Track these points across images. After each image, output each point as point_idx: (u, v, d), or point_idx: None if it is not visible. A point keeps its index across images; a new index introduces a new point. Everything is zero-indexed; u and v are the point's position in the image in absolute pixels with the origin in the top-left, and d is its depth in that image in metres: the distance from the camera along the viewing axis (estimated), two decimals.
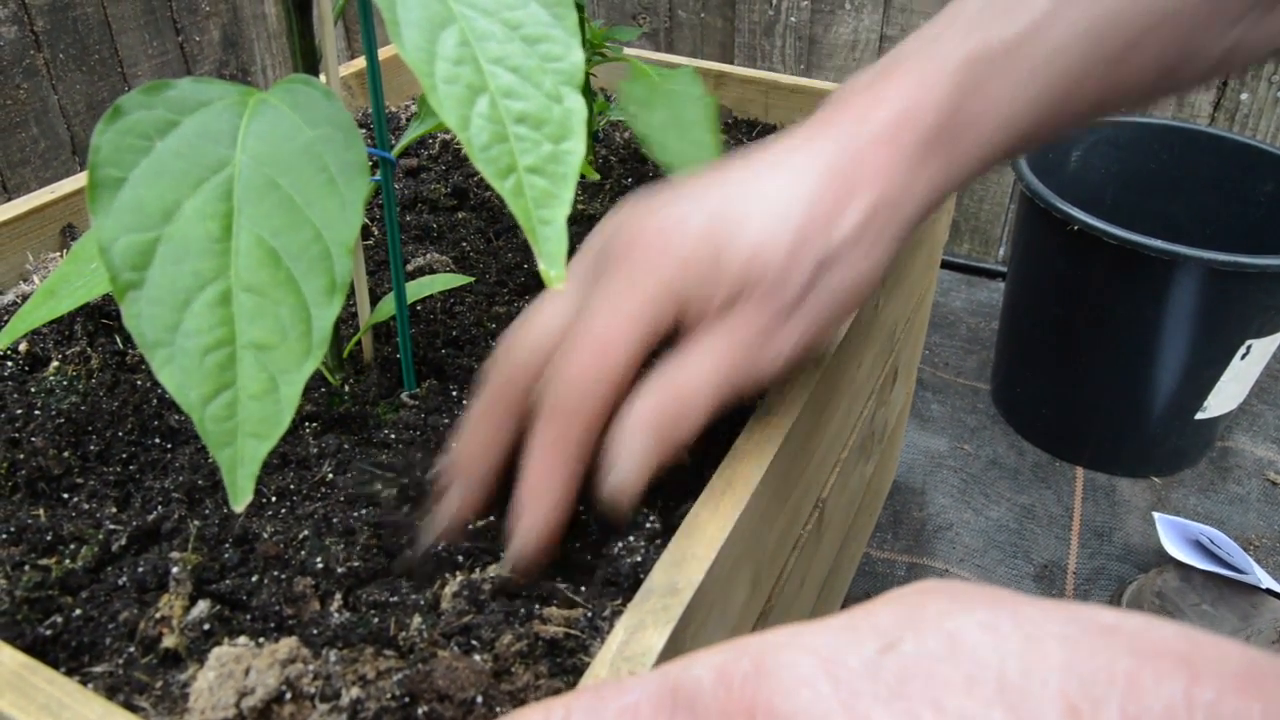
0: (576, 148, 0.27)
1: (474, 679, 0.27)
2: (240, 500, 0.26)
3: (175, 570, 0.32)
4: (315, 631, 0.31)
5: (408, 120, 0.71)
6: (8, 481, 0.38)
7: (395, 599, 0.32)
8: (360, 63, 0.72)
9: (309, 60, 0.38)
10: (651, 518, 0.33)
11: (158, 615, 0.31)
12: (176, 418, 0.41)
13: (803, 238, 0.33)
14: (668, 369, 0.33)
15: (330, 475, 0.37)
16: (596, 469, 0.32)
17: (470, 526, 0.34)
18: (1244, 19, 0.37)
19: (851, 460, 0.56)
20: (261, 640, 0.30)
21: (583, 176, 0.58)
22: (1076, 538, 0.81)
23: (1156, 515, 0.75)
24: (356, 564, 0.33)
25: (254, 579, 0.33)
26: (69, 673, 0.30)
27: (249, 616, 0.32)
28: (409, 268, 0.52)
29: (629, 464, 0.31)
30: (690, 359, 0.33)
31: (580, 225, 0.58)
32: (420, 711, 0.27)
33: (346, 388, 0.43)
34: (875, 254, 0.35)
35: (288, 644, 0.29)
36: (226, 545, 0.34)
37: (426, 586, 0.33)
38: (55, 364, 0.45)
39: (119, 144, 0.29)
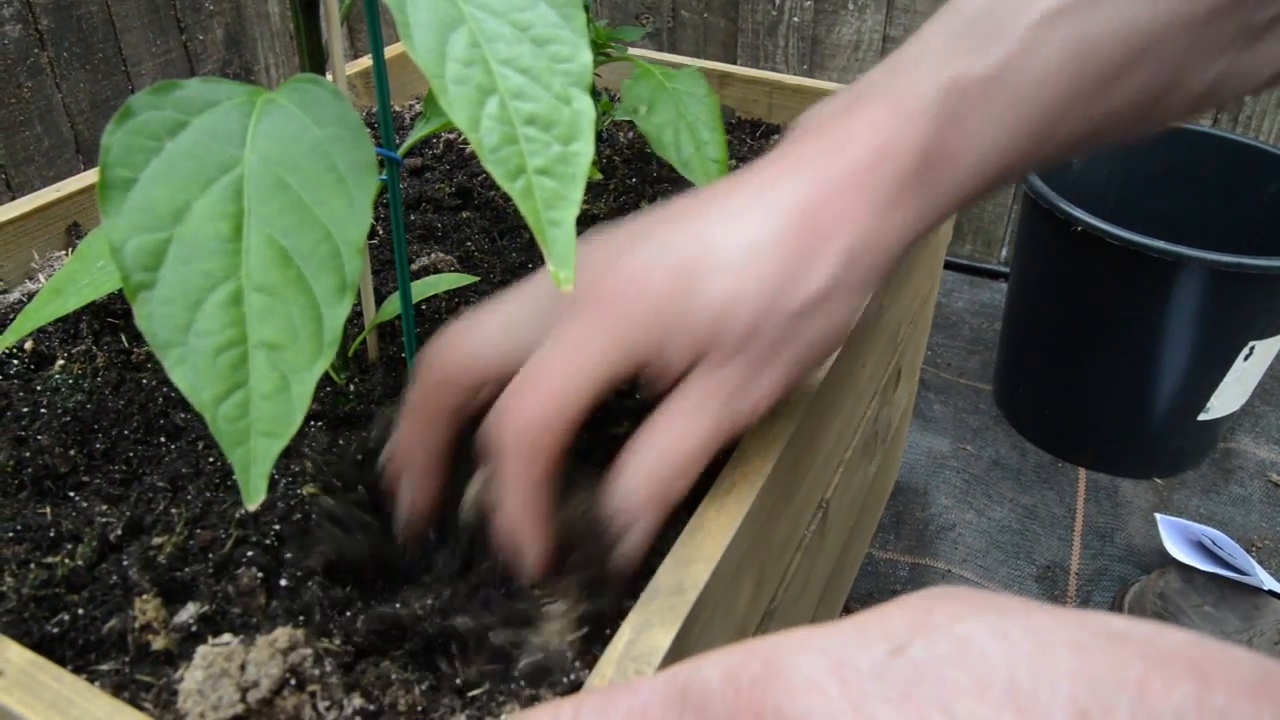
0: (585, 149, 0.27)
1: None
2: (254, 499, 0.27)
3: (133, 573, 0.33)
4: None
5: (412, 120, 0.71)
6: (14, 479, 0.38)
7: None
8: (364, 62, 0.72)
9: (316, 60, 0.38)
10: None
11: (139, 622, 0.31)
12: (182, 416, 0.41)
13: (774, 291, 0.32)
14: (654, 434, 0.33)
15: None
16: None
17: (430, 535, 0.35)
18: (1227, 52, 0.36)
19: (855, 461, 0.56)
20: (254, 634, 0.30)
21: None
22: (1079, 538, 0.81)
23: (1159, 516, 0.75)
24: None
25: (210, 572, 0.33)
26: (76, 670, 0.30)
27: (237, 610, 0.32)
28: (414, 267, 0.52)
29: (636, 536, 0.32)
30: (675, 422, 0.33)
31: (584, 225, 0.58)
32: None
33: (352, 387, 0.43)
34: (851, 301, 0.35)
35: (284, 633, 0.29)
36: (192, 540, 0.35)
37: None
38: (61, 362, 0.45)
39: (129, 144, 0.29)
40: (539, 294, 0.35)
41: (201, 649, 0.29)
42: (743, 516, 0.33)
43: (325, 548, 0.33)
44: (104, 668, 0.30)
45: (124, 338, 0.46)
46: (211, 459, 0.39)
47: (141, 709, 0.28)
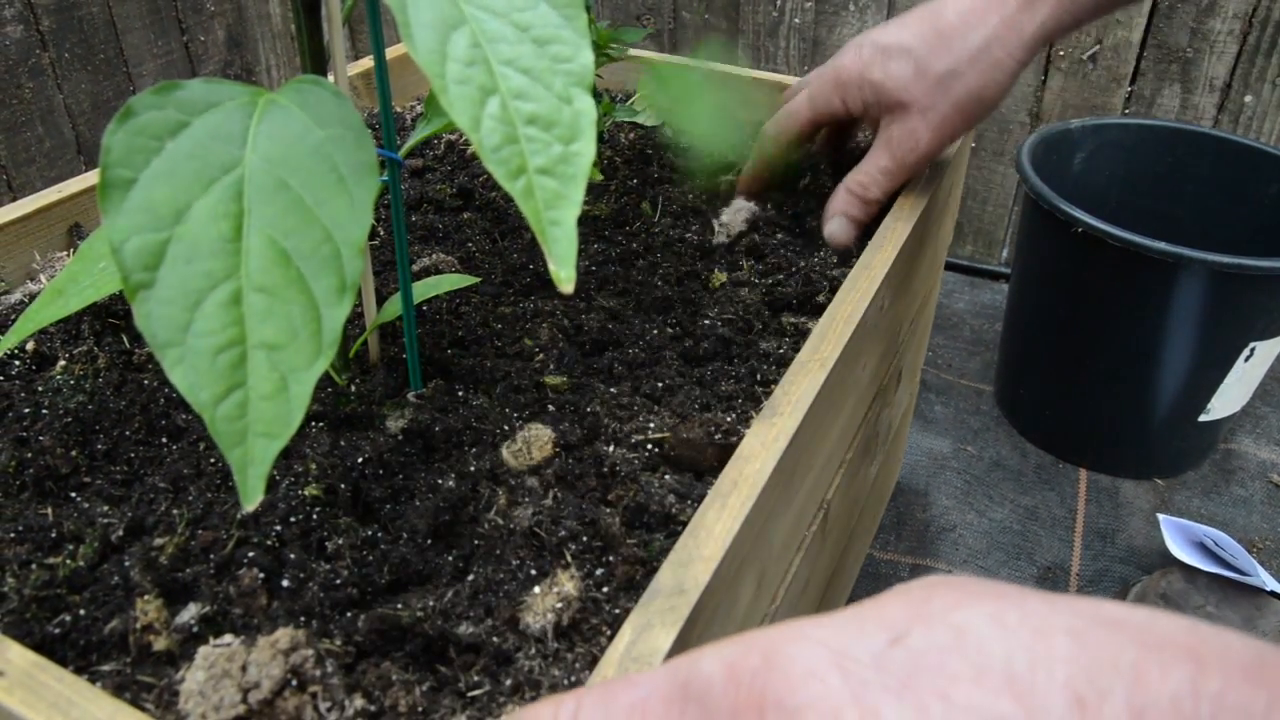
0: (586, 149, 0.27)
1: None
2: (251, 499, 0.27)
3: (134, 574, 0.33)
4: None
5: (413, 121, 0.71)
6: (15, 480, 0.38)
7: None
8: (365, 63, 0.72)
9: (318, 61, 0.38)
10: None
11: (141, 622, 0.31)
12: (184, 417, 0.41)
13: (922, 68, 0.52)
14: (854, 172, 0.55)
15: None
16: None
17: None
18: None
19: (856, 461, 0.56)
20: (255, 635, 0.30)
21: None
22: (1080, 539, 0.81)
23: (1161, 517, 0.75)
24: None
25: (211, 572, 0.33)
26: (78, 671, 0.30)
27: (239, 611, 0.32)
28: (415, 268, 0.52)
29: (840, 219, 0.55)
30: (864, 163, 0.55)
31: (584, 226, 0.58)
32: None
33: (353, 388, 0.43)
34: (986, 72, 0.51)
35: (285, 634, 0.29)
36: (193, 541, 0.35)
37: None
38: (62, 363, 0.45)
39: (130, 144, 0.29)
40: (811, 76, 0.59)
41: (203, 650, 0.29)
42: (744, 517, 0.33)
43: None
44: (105, 668, 0.30)
45: (125, 338, 0.46)
46: (213, 460, 0.39)
47: (143, 709, 0.28)
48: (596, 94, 0.64)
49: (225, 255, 0.29)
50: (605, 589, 0.33)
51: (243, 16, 1.26)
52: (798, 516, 0.44)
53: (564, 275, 0.26)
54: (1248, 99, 1.07)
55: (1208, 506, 0.85)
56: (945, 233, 0.70)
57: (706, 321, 0.48)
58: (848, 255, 0.54)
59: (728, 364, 0.46)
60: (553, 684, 0.30)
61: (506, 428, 0.41)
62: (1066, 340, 0.85)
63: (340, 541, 0.35)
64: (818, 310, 0.49)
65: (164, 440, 0.40)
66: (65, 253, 0.53)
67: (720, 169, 0.62)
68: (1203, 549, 0.71)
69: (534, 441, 0.39)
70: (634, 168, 0.65)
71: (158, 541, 0.35)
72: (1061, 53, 1.12)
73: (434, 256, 0.53)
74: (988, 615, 0.18)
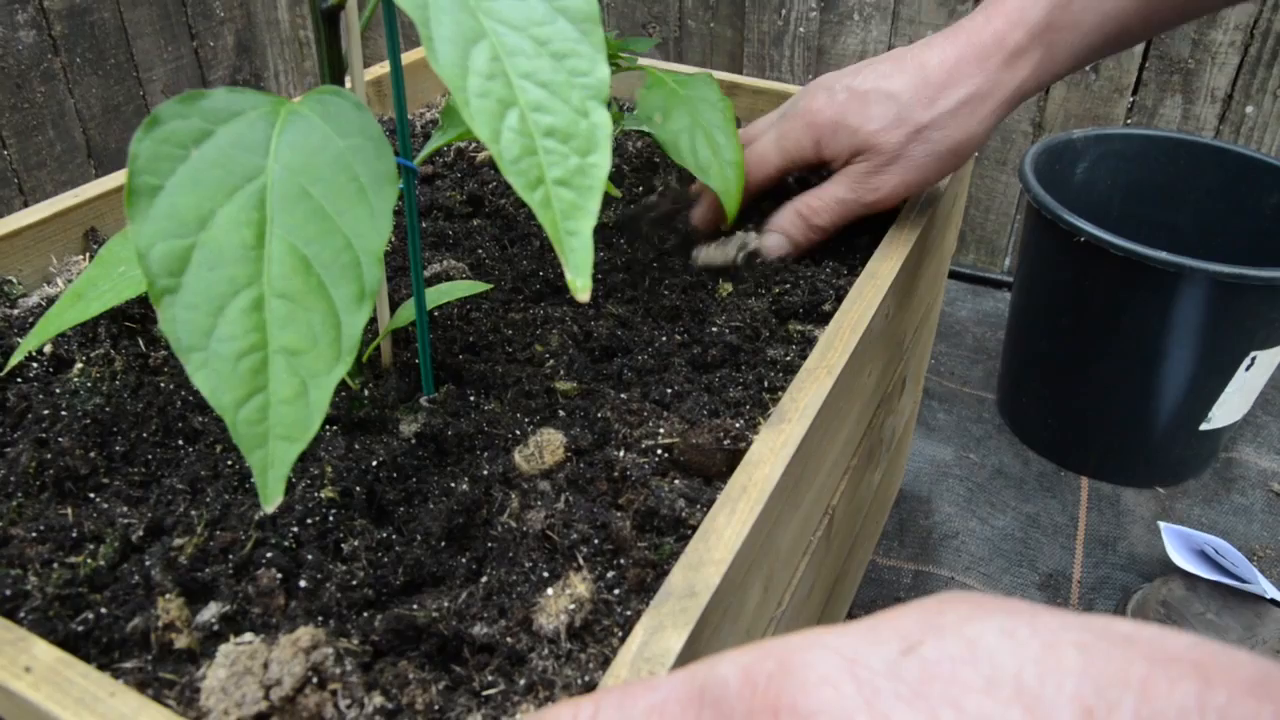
0: (602, 161, 0.28)
1: None
2: (271, 501, 0.27)
3: (155, 573, 0.33)
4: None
5: (423, 128, 0.72)
6: (36, 481, 0.39)
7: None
8: (376, 70, 0.73)
9: (336, 70, 0.39)
10: None
11: (162, 621, 0.32)
12: (200, 419, 0.42)
13: (896, 117, 0.52)
14: (807, 195, 0.55)
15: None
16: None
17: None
18: None
19: (860, 468, 0.56)
20: (274, 634, 0.31)
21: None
22: (1081, 547, 0.82)
23: (1162, 525, 0.75)
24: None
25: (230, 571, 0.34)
26: (101, 668, 0.31)
27: (258, 611, 0.33)
28: (426, 274, 0.53)
29: (780, 235, 0.55)
30: (822, 190, 0.54)
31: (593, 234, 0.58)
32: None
33: (366, 392, 0.43)
34: (967, 125, 0.52)
35: (307, 632, 0.30)
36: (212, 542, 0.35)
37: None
38: (80, 366, 0.45)
39: (156, 152, 0.29)
40: (773, 118, 0.58)
41: (224, 647, 0.30)
42: (753, 521, 0.34)
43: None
44: (128, 665, 0.31)
45: (142, 341, 0.47)
46: (230, 462, 0.39)
47: (166, 706, 0.29)
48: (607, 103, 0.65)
49: (248, 262, 0.29)
50: (617, 591, 0.34)
51: (252, 23, 1.27)
52: (804, 522, 0.44)
53: (580, 284, 0.27)
54: (1249, 110, 1.08)
55: (1209, 515, 0.86)
56: (949, 241, 0.71)
57: (714, 329, 0.49)
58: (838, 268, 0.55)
59: (736, 371, 0.46)
60: (566, 684, 0.30)
61: (518, 432, 0.41)
62: (1068, 349, 0.85)
63: (356, 543, 0.35)
64: (824, 318, 0.50)
65: (181, 442, 0.41)
66: (81, 257, 0.54)
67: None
68: (1204, 557, 0.72)
69: (545, 446, 0.40)
70: (642, 175, 0.66)
71: (177, 542, 0.35)
72: None
73: (445, 263, 0.54)
74: (999, 629, 0.19)
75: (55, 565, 0.34)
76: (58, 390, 0.44)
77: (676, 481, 0.39)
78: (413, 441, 0.40)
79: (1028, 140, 1.19)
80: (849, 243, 0.58)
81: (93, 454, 0.40)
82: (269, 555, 0.35)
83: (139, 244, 0.29)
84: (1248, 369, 0.79)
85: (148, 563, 0.34)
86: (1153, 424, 0.84)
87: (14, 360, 0.41)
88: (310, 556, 0.35)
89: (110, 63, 1.12)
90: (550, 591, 0.33)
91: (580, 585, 0.33)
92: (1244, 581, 0.68)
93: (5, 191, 1.07)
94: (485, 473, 0.39)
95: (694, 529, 0.36)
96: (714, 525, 0.34)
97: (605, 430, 0.41)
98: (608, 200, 0.62)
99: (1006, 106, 0.53)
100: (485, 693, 0.30)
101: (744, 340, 0.48)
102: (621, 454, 0.40)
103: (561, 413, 0.43)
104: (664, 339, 0.48)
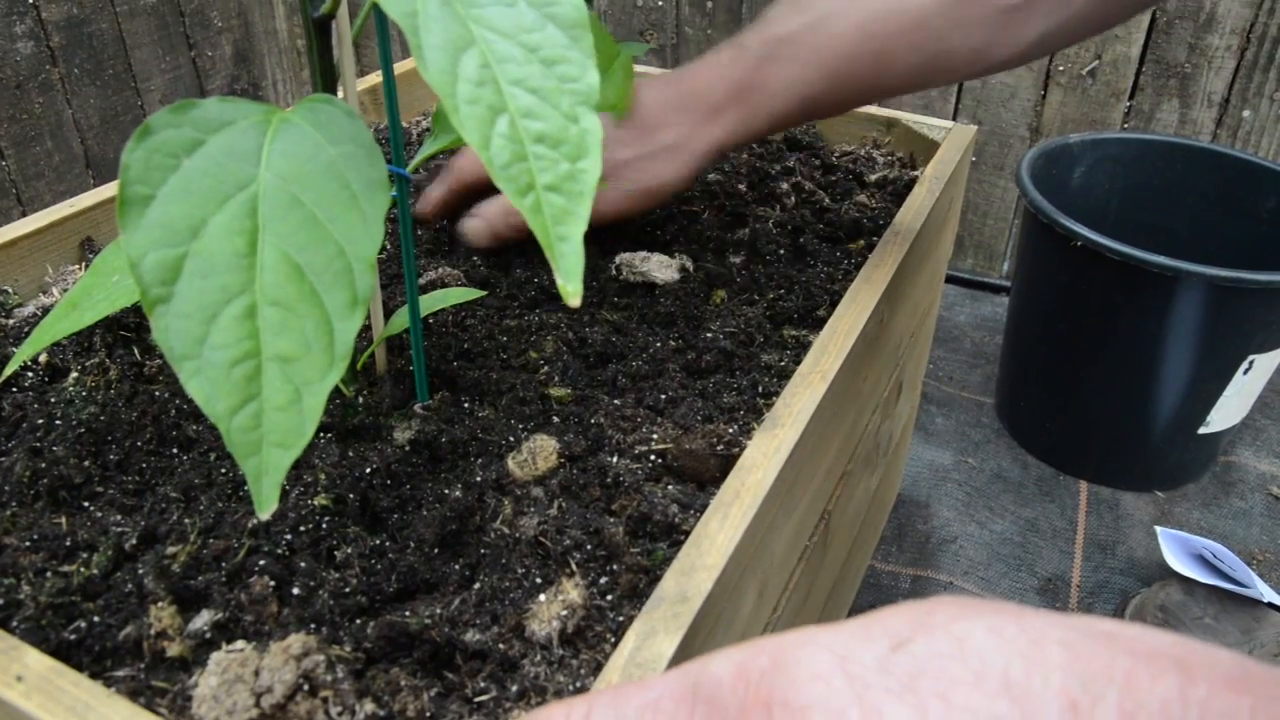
0: (592, 166, 0.28)
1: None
2: (266, 508, 0.27)
3: (147, 582, 0.33)
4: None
5: (418, 136, 0.72)
6: (30, 489, 0.39)
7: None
8: (370, 79, 0.73)
9: (328, 78, 0.39)
10: None
11: (155, 629, 0.32)
12: (194, 427, 0.42)
13: (610, 150, 0.51)
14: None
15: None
16: None
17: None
18: (985, 28, 0.50)
19: (857, 473, 0.56)
20: (266, 641, 0.31)
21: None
22: (1080, 551, 0.82)
23: (1159, 529, 0.75)
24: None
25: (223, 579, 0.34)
26: (93, 676, 0.31)
27: (250, 618, 0.32)
28: (420, 281, 0.53)
29: (481, 220, 0.56)
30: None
31: (586, 240, 0.58)
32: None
33: (360, 399, 0.44)
34: (663, 172, 0.54)
35: (297, 639, 0.30)
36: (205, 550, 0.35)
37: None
38: (75, 375, 0.45)
39: (148, 162, 0.29)
40: None
41: (216, 655, 0.30)
42: (746, 526, 0.34)
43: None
44: (120, 674, 0.31)
45: (136, 350, 0.47)
46: (223, 470, 0.39)
47: (158, 714, 0.29)
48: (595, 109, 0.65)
49: (240, 270, 0.29)
50: (609, 597, 0.34)
51: (250, 33, 1.28)
52: (799, 527, 0.44)
53: (571, 289, 0.27)
54: (1246, 114, 1.08)
55: (1207, 518, 0.86)
56: (946, 246, 0.71)
57: (709, 334, 0.49)
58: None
59: (730, 376, 0.46)
60: (558, 690, 0.30)
61: (512, 439, 0.41)
62: (1066, 353, 0.85)
63: (349, 550, 0.35)
64: (818, 323, 0.50)
65: (175, 451, 0.41)
66: (77, 266, 0.54)
67: None
68: (1201, 561, 0.72)
69: (539, 452, 0.40)
70: None
71: (170, 550, 0.35)
72: (1061, 68, 1.13)
73: (439, 270, 0.54)
74: (987, 627, 0.19)
75: (48, 574, 0.34)
76: (52, 399, 0.44)
77: (670, 487, 0.39)
78: (406, 448, 0.40)
79: (1025, 145, 1.19)
80: (843, 247, 0.58)
81: (87, 463, 0.40)
82: (262, 563, 0.35)
83: (131, 253, 0.29)
84: (1246, 372, 0.79)
85: (141, 571, 0.34)
86: (1151, 428, 0.84)
87: (9, 369, 0.41)
88: (303, 564, 0.35)
89: (108, 73, 1.12)
90: (543, 598, 0.33)
91: (573, 591, 0.33)
92: (1242, 586, 0.68)
93: (4, 202, 1.07)
94: (479, 479, 0.39)
95: (687, 534, 0.36)
96: (707, 530, 0.34)
97: (599, 436, 0.41)
98: None
99: (704, 159, 0.55)
100: (477, 699, 0.30)
101: (738, 346, 0.48)
102: (615, 460, 0.40)
103: (555, 419, 0.43)
104: (658, 345, 0.48)
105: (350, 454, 0.40)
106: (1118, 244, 0.74)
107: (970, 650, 0.19)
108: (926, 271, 0.64)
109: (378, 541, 0.36)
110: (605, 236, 0.57)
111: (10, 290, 0.51)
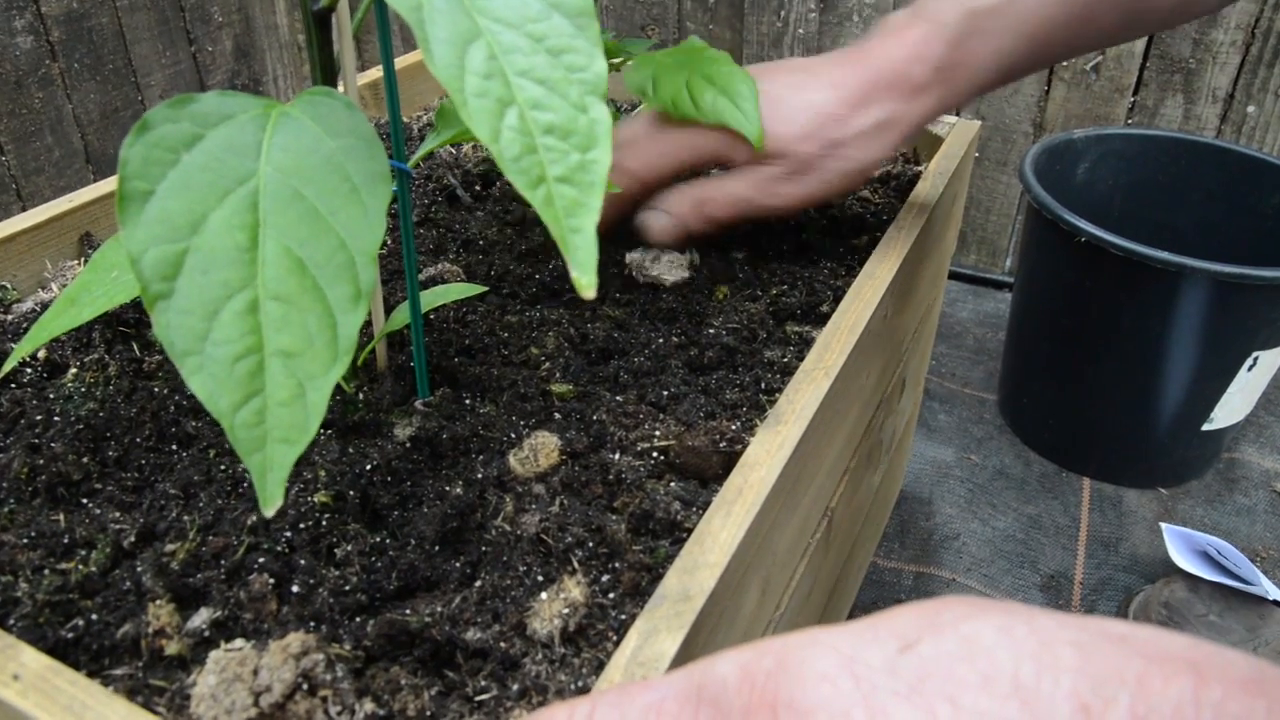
0: (603, 156, 0.28)
1: None
2: (270, 505, 0.27)
3: (146, 579, 0.33)
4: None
5: (420, 131, 0.72)
6: (28, 486, 0.38)
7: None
8: (372, 74, 0.73)
9: (328, 72, 0.38)
10: None
11: (153, 627, 0.32)
12: (194, 424, 0.42)
13: (818, 132, 0.51)
14: (705, 185, 0.53)
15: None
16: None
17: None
18: None
19: (859, 470, 0.56)
20: (265, 639, 0.31)
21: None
22: (1083, 548, 0.82)
23: (1164, 526, 0.75)
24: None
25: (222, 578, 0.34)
26: (91, 675, 0.31)
27: (249, 616, 0.32)
28: (421, 277, 0.52)
29: (669, 217, 0.53)
30: (722, 184, 0.53)
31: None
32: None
33: (361, 395, 0.43)
34: (875, 149, 0.53)
35: (296, 638, 0.30)
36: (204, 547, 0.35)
37: None
38: (73, 371, 0.45)
39: (147, 157, 0.29)
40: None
41: (214, 654, 0.30)
42: (749, 524, 0.34)
43: None
44: (118, 672, 0.31)
45: (136, 346, 0.47)
46: (223, 467, 0.39)
47: (155, 713, 0.29)
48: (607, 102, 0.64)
49: (241, 265, 0.29)
50: (611, 595, 0.34)
51: (250, 27, 1.27)
52: (802, 524, 0.44)
53: (585, 281, 0.26)
54: (1250, 109, 1.07)
55: (1211, 516, 0.85)
56: (949, 242, 0.71)
57: (711, 330, 0.49)
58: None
59: (732, 372, 0.46)
60: (559, 689, 0.30)
61: (513, 435, 0.41)
62: (1070, 349, 0.85)
63: (349, 548, 0.35)
64: (822, 319, 0.50)
65: (174, 447, 0.41)
66: (76, 262, 0.54)
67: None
68: (1206, 558, 0.72)
69: (540, 449, 0.40)
70: None
71: (169, 547, 0.35)
72: (1065, 63, 1.12)
73: (440, 266, 0.54)
74: (996, 627, 0.19)
75: (46, 571, 0.34)
76: (51, 395, 0.43)
77: (672, 484, 0.38)
78: (407, 445, 0.40)
79: (1028, 140, 1.19)
80: (847, 243, 0.58)
81: (85, 459, 0.40)
82: (261, 560, 0.34)
83: (131, 250, 0.29)
84: (1250, 369, 0.79)
85: (139, 568, 0.34)
86: (1155, 425, 0.83)
87: (7, 366, 0.41)
88: (303, 561, 0.34)
89: (108, 68, 1.12)
90: (544, 596, 0.33)
91: (575, 589, 0.33)
92: (1246, 583, 0.68)
93: (4, 197, 1.07)
94: (480, 476, 0.39)
95: (689, 532, 0.35)
96: (709, 528, 0.33)
97: (601, 433, 0.41)
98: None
99: (909, 135, 0.55)
100: (478, 698, 0.30)
101: (741, 342, 0.48)
102: (617, 457, 0.40)
103: (557, 415, 0.43)
104: (660, 341, 0.48)
105: (350, 451, 0.39)
106: (1122, 240, 0.74)
107: (979, 651, 0.18)
108: (930, 267, 0.64)
109: (378, 539, 0.36)
110: (613, 234, 0.57)
111: (9, 286, 0.51)
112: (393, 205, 0.41)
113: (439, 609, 0.33)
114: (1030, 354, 0.91)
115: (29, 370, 0.45)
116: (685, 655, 0.29)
